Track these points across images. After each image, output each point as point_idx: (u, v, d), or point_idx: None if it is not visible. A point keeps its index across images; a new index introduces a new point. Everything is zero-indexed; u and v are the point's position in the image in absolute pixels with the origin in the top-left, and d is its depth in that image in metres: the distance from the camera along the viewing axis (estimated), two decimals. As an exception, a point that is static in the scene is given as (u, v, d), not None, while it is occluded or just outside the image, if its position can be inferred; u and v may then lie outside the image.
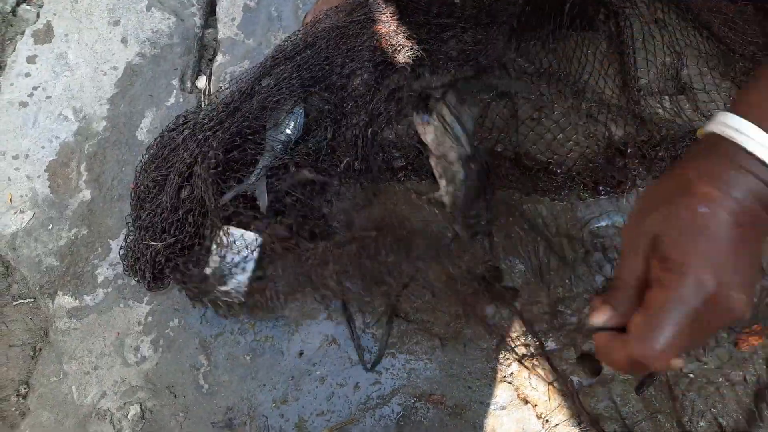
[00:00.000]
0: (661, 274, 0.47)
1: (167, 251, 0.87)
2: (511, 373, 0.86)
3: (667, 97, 1.00)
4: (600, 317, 0.51)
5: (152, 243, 0.86)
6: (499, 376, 0.86)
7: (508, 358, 0.87)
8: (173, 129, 0.97)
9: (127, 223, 0.94)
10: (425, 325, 0.88)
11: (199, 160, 0.86)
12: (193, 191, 0.86)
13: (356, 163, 0.94)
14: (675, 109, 0.98)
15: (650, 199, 0.51)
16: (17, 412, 0.91)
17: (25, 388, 0.92)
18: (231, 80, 1.05)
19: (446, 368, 0.87)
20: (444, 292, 0.89)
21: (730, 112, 0.50)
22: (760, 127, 0.47)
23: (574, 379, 0.85)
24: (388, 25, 1.00)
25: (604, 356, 0.51)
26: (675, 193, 0.48)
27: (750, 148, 0.47)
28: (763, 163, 0.46)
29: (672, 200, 0.48)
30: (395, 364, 0.87)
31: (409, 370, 0.87)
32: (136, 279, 0.91)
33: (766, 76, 0.52)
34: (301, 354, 0.89)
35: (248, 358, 0.89)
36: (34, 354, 0.95)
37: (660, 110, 0.97)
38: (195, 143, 0.90)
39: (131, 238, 0.92)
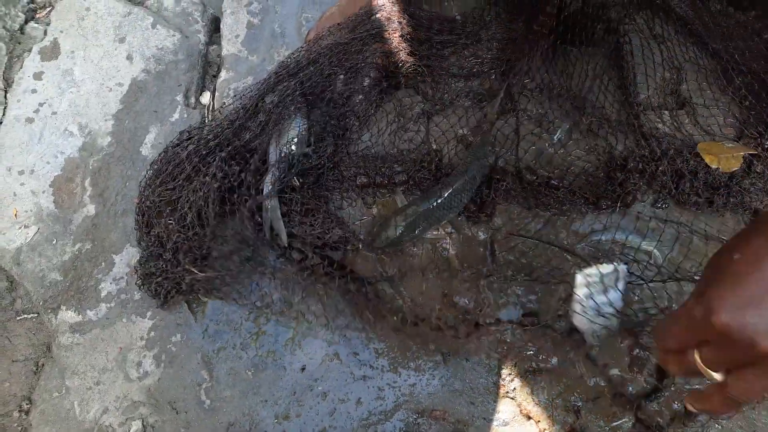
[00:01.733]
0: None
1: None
2: (514, 388, 0.86)
3: (666, 112, 1.00)
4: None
5: (193, 270, 0.87)
6: (502, 391, 0.86)
7: (510, 374, 0.86)
8: (177, 144, 0.98)
9: (138, 241, 0.94)
10: (427, 340, 0.88)
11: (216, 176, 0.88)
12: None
13: (358, 178, 0.95)
14: (675, 124, 0.98)
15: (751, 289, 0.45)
16: (19, 428, 0.91)
17: (27, 404, 0.92)
18: (235, 96, 1.06)
19: (448, 384, 0.87)
20: (443, 308, 0.90)
21: None
22: None
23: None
24: (389, 41, 1.01)
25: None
26: None
27: None
28: None
29: None
30: (397, 380, 0.87)
31: (411, 385, 0.87)
32: (151, 296, 0.92)
33: None
34: (303, 369, 0.89)
35: (250, 373, 0.89)
36: (37, 369, 0.95)
37: (660, 125, 0.98)
38: (198, 158, 0.91)
39: (145, 253, 0.92)
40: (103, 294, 0.96)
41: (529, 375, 0.86)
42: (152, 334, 0.93)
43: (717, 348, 0.47)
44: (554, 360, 0.86)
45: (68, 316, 0.95)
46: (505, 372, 0.87)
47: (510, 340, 0.87)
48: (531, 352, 0.86)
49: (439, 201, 0.88)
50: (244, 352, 0.90)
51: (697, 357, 0.49)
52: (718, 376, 0.49)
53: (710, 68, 1.02)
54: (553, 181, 0.95)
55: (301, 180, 0.92)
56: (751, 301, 0.44)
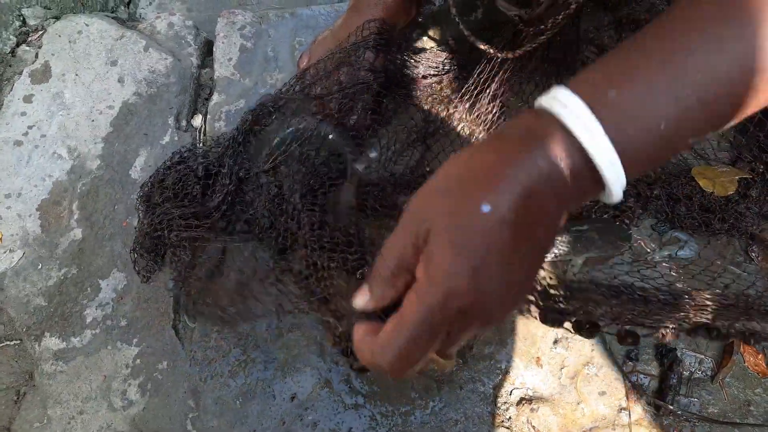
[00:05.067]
0: (420, 277, 0.43)
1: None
2: (509, 417, 0.83)
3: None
4: (357, 300, 0.48)
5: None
6: (497, 420, 0.84)
7: (506, 402, 0.84)
8: (169, 167, 0.97)
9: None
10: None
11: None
12: None
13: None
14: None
15: (447, 178, 0.44)
16: (-3, 460, 0.88)
17: (6, 435, 0.89)
18: (227, 119, 1.05)
19: (442, 413, 0.84)
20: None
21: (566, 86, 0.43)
22: (589, 100, 0.41)
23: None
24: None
25: (357, 351, 0.47)
26: (470, 179, 0.42)
27: (568, 123, 0.41)
28: (576, 142, 0.41)
29: (463, 190, 0.41)
30: (390, 408, 0.85)
31: (404, 414, 0.85)
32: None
33: (621, 48, 0.45)
34: (293, 398, 0.86)
35: (238, 402, 0.86)
36: (18, 398, 0.92)
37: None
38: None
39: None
40: (88, 320, 0.93)
41: (525, 404, 0.84)
42: (138, 361, 0.90)
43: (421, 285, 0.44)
44: (551, 389, 0.84)
45: (52, 342, 0.93)
46: (500, 401, 0.85)
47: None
48: (525, 378, 0.85)
49: None
50: (233, 380, 0.88)
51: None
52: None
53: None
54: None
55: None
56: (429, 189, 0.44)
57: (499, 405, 0.84)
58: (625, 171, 0.41)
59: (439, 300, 0.41)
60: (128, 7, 1.54)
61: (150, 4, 1.59)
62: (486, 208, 0.40)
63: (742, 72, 0.41)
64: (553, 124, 0.41)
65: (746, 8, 0.41)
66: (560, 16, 0.77)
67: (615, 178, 0.41)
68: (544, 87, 1.00)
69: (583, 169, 0.41)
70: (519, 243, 0.41)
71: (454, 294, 0.41)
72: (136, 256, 0.92)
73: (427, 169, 0.98)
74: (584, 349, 0.87)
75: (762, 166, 0.91)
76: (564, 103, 0.41)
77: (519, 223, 0.40)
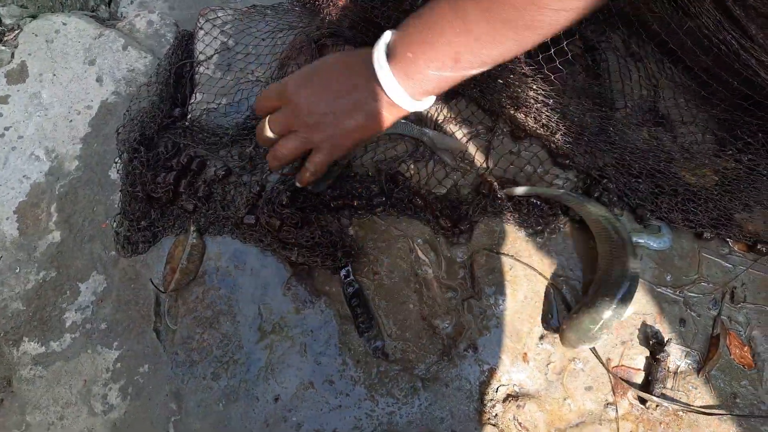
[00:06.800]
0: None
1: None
2: (496, 414, 0.83)
3: (645, 129, 0.99)
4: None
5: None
6: (484, 417, 0.83)
7: (492, 399, 0.83)
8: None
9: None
10: (406, 366, 0.85)
11: None
12: None
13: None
14: (654, 142, 0.98)
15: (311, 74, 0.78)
16: (-25, 468, 0.86)
17: (-16, 442, 0.88)
18: (207, 116, 1.04)
19: (428, 411, 0.83)
20: (423, 332, 0.87)
21: (393, 30, 0.72)
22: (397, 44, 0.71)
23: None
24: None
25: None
26: (328, 85, 0.76)
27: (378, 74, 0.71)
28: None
29: (319, 85, 0.76)
30: (375, 408, 0.84)
31: (389, 413, 0.83)
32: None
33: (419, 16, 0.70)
34: (276, 399, 0.85)
35: (221, 405, 0.85)
36: (-4, 405, 0.90)
37: (638, 142, 0.97)
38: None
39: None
40: (67, 324, 0.92)
41: (511, 400, 0.83)
42: (118, 365, 0.89)
43: (277, 116, 0.78)
44: (537, 385, 0.84)
45: (30, 347, 0.91)
46: (486, 398, 0.84)
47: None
48: (512, 375, 0.84)
49: None
50: (215, 383, 0.86)
51: (265, 121, 0.80)
52: (271, 134, 0.80)
53: (686, 85, 1.02)
54: (532, 200, 0.93)
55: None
56: (301, 80, 0.77)
57: (485, 402, 0.83)
58: (410, 95, 0.72)
59: (279, 88, 0.78)
60: (109, 6, 1.51)
61: (132, 2, 1.56)
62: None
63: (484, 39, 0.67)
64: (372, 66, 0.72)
65: None
66: None
67: (397, 96, 0.72)
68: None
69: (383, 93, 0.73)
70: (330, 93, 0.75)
71: (285, 88, 0.77)
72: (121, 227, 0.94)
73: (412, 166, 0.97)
74: (570, 344, 0.86)
75: (746, 157, 0.91)
76: (378, 59, 0.71)
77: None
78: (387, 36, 0.71)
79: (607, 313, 0.78)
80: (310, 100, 0.75)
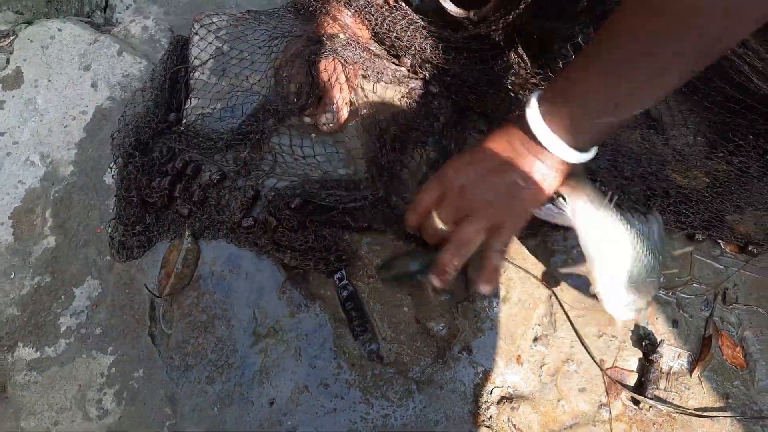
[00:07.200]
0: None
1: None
2: (490, 416, 0.83)
3: (637, 132, 1.00)
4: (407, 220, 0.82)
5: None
6: (478, 420, 0.83)
7: (487, 401, 0.84)
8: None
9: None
10: (401, 369, 0.85)
11: None
12: None
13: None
14: (646, 144, 0.98)
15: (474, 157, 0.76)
16: (-31, 474, 0.86)
17: (-22, 448, 0.87)
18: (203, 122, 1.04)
19: (423, 414, 0.84)
20: (417, 335, 0.87)
21: (537, 95, 0.71)
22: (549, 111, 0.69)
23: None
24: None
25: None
26: (486, 162, 0.74)
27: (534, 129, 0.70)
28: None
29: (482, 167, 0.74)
30: (370, 411, 0.84)
31: (384, 416, 0.84)
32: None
33: (581, 54, 0.70)
34: (271, 403, 0.85)
35: (216, 409, 0.85)
36: (-10, 411, 0.90)
37: (631, 145, 0.98)
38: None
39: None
40: (62, 329, 0.92)
41: (505, 402, 0.83)
42: (113, 370, 0.89)
43: (446, 205, 0.75)
44: (531, 387, 0.84)
45: (25, 353, 0.91)
46: (481, 400, 0.84)
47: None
48: (505, 377, 0.84)
49: None
50: (210, 387, 0.87)
51: (434, 214, 0.77)
52: (442, 226, 0.76)
53: (679, 89, 1.02)
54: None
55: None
56: (461, 164, 0.75)
57: (479, 404, 0.84)
58: (574, 148, 0.70)
59: (439, 178, 0.77)
60: (105, 12, 1.52)
61: (127, 8, 1.57)
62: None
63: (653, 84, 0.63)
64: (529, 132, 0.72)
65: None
66: (510, 17, 0.80)
67: (568, 154, 0.70)
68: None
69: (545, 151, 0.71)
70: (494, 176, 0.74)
71: (445, 176, 0.76)
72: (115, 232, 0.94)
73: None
74: (564, 346, 0.86)
75: (737, 159, 0.92)
76: (532, 118, 0.71)
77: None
78: (534, 96, 0.71)
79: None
80: (477, 178, 0.73)
